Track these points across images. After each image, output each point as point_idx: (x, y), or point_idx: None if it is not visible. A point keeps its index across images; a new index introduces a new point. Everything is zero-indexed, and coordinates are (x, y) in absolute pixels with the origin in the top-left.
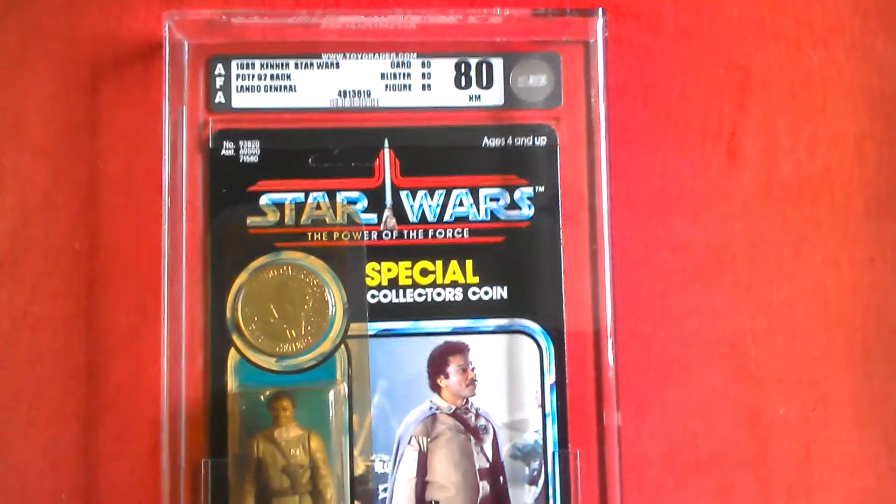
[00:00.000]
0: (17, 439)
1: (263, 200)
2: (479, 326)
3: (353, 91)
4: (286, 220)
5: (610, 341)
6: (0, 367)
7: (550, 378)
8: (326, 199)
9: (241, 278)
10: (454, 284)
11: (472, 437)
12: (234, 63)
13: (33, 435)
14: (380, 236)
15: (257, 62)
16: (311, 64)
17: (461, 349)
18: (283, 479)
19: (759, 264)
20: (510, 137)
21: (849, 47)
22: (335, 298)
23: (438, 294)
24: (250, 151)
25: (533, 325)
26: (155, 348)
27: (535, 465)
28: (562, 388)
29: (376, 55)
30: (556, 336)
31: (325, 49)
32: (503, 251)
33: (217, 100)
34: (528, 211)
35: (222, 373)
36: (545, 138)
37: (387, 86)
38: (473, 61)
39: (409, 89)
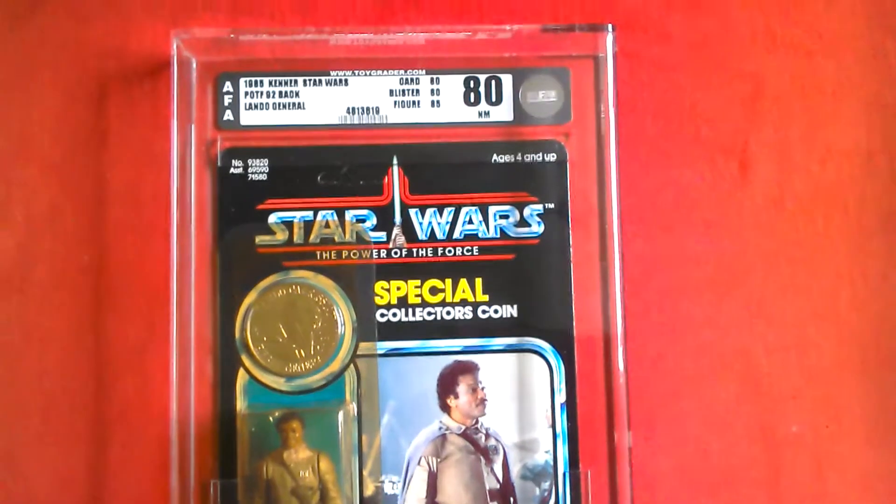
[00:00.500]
0: (25, 454)
1: (272, 219)
2: (488, 345)
3: (362, 108)
4: (295, 239)
5: (621, 359)
6: (8, 381)
7: (561, 397)
8: (335, 217)
9: (250, 298)
10: (464, 303)
11: (482, 458)
12: (242, 80)
13: (41, 450)
14: (389, 255)
15: (266, 79)
16: (320, 81)
17: (471, 368)
18: (293, 500)
19: (771, 278)
20: (520, 153)
21: (861, 56)
22: (344, 317)
23: (448, 313)
24: (259, 169)
25: (543, 344)
26: (163, 366)
27: (546, 485)
28: (572, 408)
29: (385, 72)
30: (566, 355)
31: (334, 66)
32: (513, 269)
33: (225, 117)
34: (537, 228)
35: (231, 393)
36: (555, 154)
37: (395, 102)
38: (482, 77)
39: (418, 106)
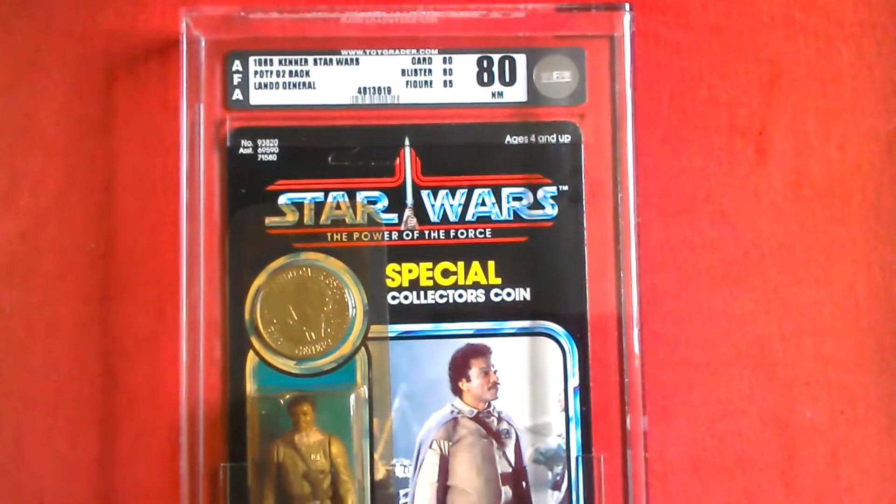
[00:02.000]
0: (33, 446)
1: (282, 200)
2: (501, 328)
3: (374, 88)
4: (305, 220)
5: (635, 343)
6: (15, 372)
7: (574, 381)
8: (346, 199)
9: (260, 280)
10: (476, 286)
11: (494, 442)
12: (251, 59)
13: (49, 441)
14: (400, 237)
15: (276, 59)
16: (331, 60)
17: (483, 352)
18: (304, 484)
19: (787, 265)
20: (533, 135)
21: (880, 42)
22: (355, 300)
23: (460, 295)
24: (269, 150)
25: (556, 328)
26: (172, 351)
27: (559, 469)
28: (585, 392)
29: (397, 51)
30: (579, 338)
31: (345, 45)
32: (526, 251)
33: (235, 97)
34: (551, 210)
35: (241, 376)
36: (569, 136)
37: (408, 82)
38: (496, 57)
39: (431, 86)
